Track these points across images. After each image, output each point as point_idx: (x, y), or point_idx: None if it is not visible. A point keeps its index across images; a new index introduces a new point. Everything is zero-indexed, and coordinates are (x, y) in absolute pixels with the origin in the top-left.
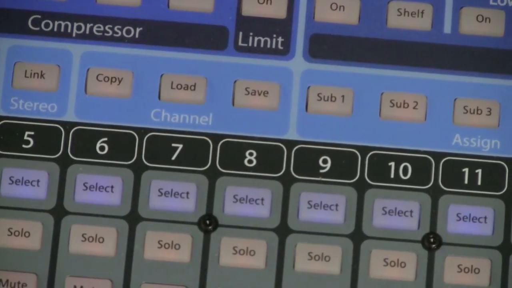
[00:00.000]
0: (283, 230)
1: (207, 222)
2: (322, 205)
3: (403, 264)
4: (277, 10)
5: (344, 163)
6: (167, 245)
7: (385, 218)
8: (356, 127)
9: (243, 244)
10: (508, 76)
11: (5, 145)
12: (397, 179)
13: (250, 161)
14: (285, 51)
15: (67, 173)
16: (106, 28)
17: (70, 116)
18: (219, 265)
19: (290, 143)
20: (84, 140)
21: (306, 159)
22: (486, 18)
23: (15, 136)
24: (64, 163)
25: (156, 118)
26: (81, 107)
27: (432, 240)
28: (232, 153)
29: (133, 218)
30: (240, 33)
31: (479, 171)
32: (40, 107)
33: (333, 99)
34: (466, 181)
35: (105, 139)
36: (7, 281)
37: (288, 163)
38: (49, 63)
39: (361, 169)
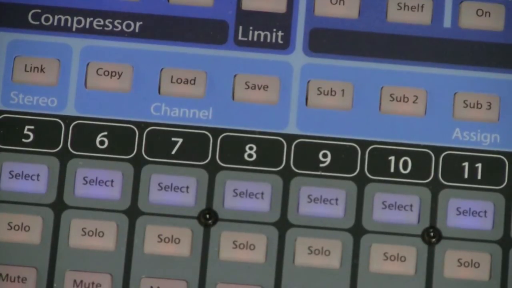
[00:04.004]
0: (283, 224)
1: (207, 216)
2: (322, 199)
3: (403, 259)
4: (277, 4)
5: (344, 157)
6: (167, 239)
7: (385, 212)
8: (356, 121)
9: (243, 238)
10: (508, 70)
11: (5, 139)
12: (397, 173)
13: (250, 155)
14: (285, 45)
15: (67, 167)
16: (106, 22)
17: (70, 110)
18: (219, 259)
19: (290, 137)
20: (84, 134)
21: (306, 153)
22: (486, 12)
23: (15, 130)
24: (64, 157)
25: (156, 112)
26: (81, 101)
27: (432, 234)
28: (232, 147)
29: (133, 212)
30: (240, 27)
31: (479, 165)
32: (40, 101)
33: (333, 93)
34: (466, 175)
35: (105, 133)
36: (7, 275)
37: (288, 157)
38: (49, 57)
39: (361, 163)
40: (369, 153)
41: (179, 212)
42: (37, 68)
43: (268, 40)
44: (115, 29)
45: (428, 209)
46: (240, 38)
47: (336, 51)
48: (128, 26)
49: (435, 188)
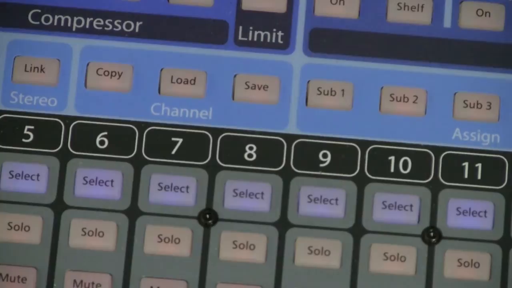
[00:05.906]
0: (283, 224)
1: (207, 216)
2: (322, 199)
3: (403, 259)
4: (277, 4)
5: (344, 157)
6: (167, 239)
7: (385, 212)
8: (356, 121)
9: (243, 238)
10: (508, 70)
11: (5, 139)
12: (397, 173)
13: (250, 155)
14: (285, 45)
15: (67, 167)
16: (106, 22)
17: (70, 110)
18: (219, 259)
19: (290, 137)
20: (84, 134)
21: (306, 153)
22: (486, 12)
23: (15, 130)
24: (64, 157)
25: (156, 112)
26: (81, 101)
27: (432, 234)
28: (232, 147)
29: (133, 212)
30: (240, 27)
31: (479, 165)
32: (40, 101)
33: (333, 93)
34: (466, 175)
35: (105, 133)
36: (7, 275)
37: (288, 157)
38: (49, 57)
39: (361, 163)
40: (369, 153)
41: (179, 212)
42: (37, 68)
43: (268, 40)
44: (115, 29)
45: (428, 209)
46: (240, 38)
47: (336, 51)
48: (128, 26)
49: (435, 188)
